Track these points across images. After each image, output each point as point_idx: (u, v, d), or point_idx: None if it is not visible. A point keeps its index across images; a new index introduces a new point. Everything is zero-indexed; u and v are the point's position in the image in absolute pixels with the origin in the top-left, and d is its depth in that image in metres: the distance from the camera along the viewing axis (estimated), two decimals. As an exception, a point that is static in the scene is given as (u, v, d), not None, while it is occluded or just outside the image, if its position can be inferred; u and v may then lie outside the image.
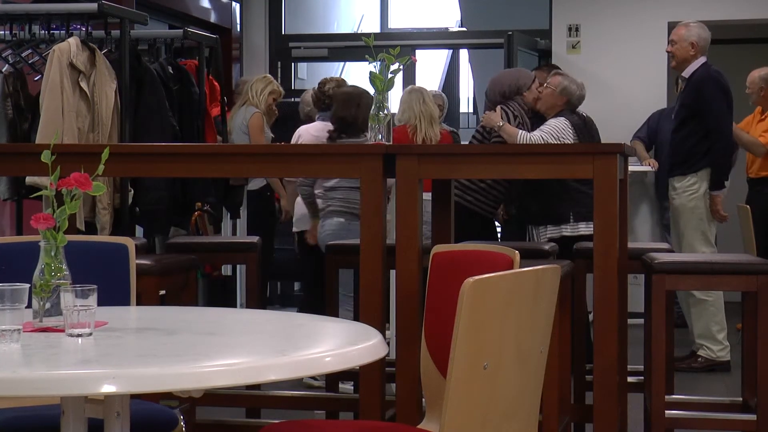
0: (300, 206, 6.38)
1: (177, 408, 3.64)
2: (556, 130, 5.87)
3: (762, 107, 7.16)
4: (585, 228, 5.85)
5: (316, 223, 6.15)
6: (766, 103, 7.09)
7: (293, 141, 6.45)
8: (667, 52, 6.67)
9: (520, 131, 5.83)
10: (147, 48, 6.16)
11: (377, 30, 12.26)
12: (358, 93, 5.96)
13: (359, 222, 4.25)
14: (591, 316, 5.73)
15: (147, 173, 4.83)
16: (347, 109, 5.90)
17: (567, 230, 5.93)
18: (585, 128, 6.05)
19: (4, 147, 5.01)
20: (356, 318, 4.54)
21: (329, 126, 6.09)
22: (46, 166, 2.55)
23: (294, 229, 6.50)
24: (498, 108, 5.94)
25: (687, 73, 6.49)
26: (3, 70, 5.67)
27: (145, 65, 5.76)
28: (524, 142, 5.72)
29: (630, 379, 4.68)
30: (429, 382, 3.00)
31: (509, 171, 3.98)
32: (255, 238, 5.34)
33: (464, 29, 12.15)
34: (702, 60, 6.49)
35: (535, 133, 5.87)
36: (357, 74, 11.30)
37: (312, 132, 6.37)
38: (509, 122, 5.91)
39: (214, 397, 4.55)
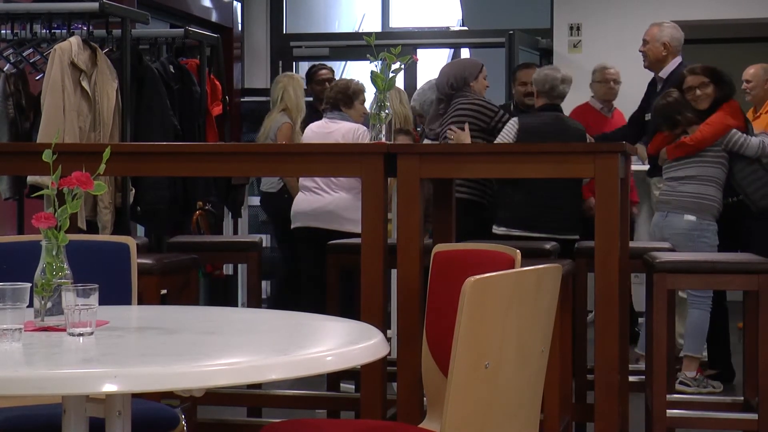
0: (299, 203, 6.37)
1: (178, 407, 3.64)
2: (502, 136, 5.78)
3: (756, 105, 7.04)
4: (518, 233, 5.67)
5: None
6: (767, 96, 6.94)
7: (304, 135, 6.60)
8: (640, 51, 6.62)
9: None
10: (148, 47, 6.17)
11: (378, 29, 12.24)
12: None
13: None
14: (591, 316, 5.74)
15: (148, 172, 4.84)
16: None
17: (497, 230, 5.82)
18: (547, 127, 5.82)
19: (5, 146, 5.01)
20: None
21: (328, 122, 6.32)
22: (48, 166, 2.55)
23: (293, 226, 6.44)
24: (466, 126, 5.80)
25: (664, 73, 6.47)
26: (4, 69, 5.67)
27: (146, 64, 5.76)
28: None
29: (631, 378, 4.68)
30: (430, 382, 3.00)
31: (510, 170, 3.98)
32: (256, 237, 5.34)
33: (465, 28, 12.15)
34: (678, 60, 6.48)
35: None
36: (358, 73, 11.30)
37: (313, 128, 6.44)
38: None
39: (215, 396, 4.54)
